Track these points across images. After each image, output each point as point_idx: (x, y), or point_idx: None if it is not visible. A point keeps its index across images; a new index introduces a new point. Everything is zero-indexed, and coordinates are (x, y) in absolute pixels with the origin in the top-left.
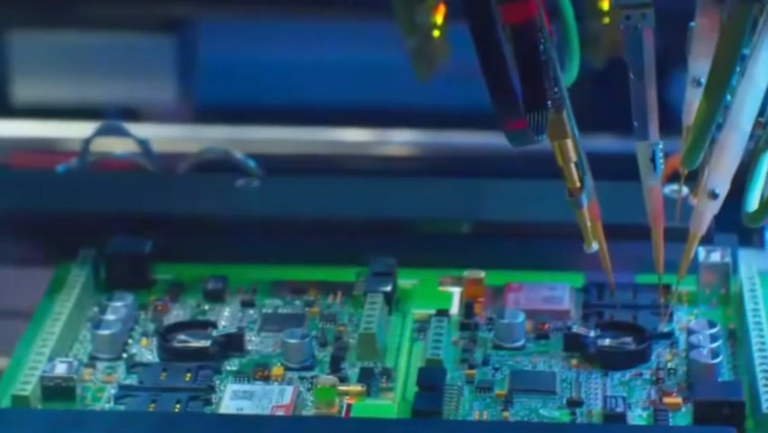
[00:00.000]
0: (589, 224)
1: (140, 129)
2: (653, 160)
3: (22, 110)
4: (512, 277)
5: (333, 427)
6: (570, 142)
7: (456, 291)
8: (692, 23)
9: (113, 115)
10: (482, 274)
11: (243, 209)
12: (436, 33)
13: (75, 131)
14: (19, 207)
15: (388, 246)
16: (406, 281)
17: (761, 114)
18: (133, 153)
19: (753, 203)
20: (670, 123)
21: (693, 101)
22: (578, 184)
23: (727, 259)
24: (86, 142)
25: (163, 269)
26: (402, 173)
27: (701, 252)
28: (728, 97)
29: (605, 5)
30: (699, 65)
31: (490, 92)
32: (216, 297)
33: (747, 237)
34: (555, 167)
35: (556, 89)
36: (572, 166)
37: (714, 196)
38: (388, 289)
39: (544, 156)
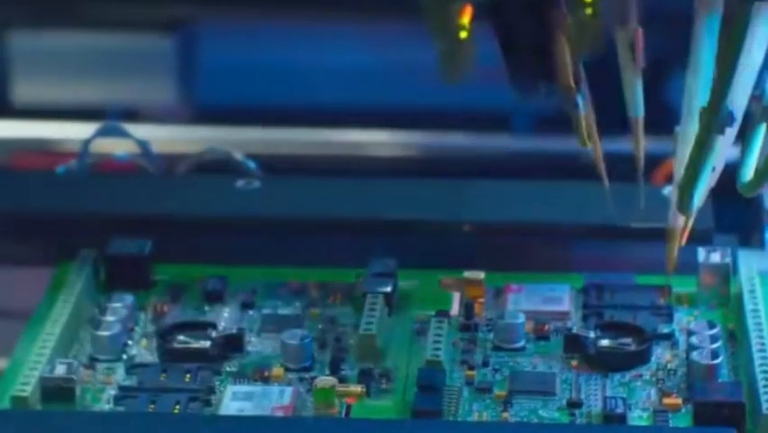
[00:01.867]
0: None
1: (140, 130)
2: (631, 47)
3: (23, 111)
4: (512, 278)
5: (333, 428)
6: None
7: (456, 292)
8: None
9: (113, 116)
10: (482, 275)
11: (243, 210)
12: (464, 34)
13: (75, 132)
14: (19, 207)
15: (388, 247)
16: (405, 282)
17: (756, 87)
18: (134, 154)
19: (748, 173)
20: (668, 123)
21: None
22: (572, 84)
23: (727, 260)
24: (87, 142)
25: (163, 270)
26: (402, 174)
27: (701, 252)
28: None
29: None
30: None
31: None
32: (216, 298)
33: (747, 238)
34: (556, 168)
35: None
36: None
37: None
38: (388, 290)
39: (544, 156)
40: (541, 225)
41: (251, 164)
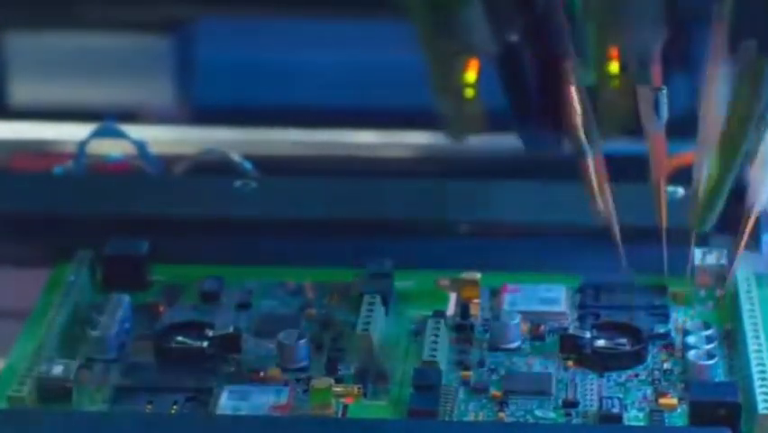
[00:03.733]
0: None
1: (137, 131)
2: (656, 106)
3: (20, 112)
4: (508, 278)
5: (330, 428)
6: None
7: (452, 293)
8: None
9: (110, 117)
10: (478, 276)
11: (240, 211)
12: (471, 92)
13: (72, 133)
14: (16, 208)
15: (385, 247)
16: (402, 283)
17: None
18: (130, 155)
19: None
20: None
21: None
22: (581, 134)
23: (723, 260)
24: (83, 143)
25: (160, 270)
26: (399, 175)
27: (697, 253)
28: None
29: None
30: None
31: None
32: (213, 298)
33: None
34: (552, 169)
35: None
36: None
37: None
38: (385, 290)
39: (543, 157)
40: (537, 225)
41: (248, 165)
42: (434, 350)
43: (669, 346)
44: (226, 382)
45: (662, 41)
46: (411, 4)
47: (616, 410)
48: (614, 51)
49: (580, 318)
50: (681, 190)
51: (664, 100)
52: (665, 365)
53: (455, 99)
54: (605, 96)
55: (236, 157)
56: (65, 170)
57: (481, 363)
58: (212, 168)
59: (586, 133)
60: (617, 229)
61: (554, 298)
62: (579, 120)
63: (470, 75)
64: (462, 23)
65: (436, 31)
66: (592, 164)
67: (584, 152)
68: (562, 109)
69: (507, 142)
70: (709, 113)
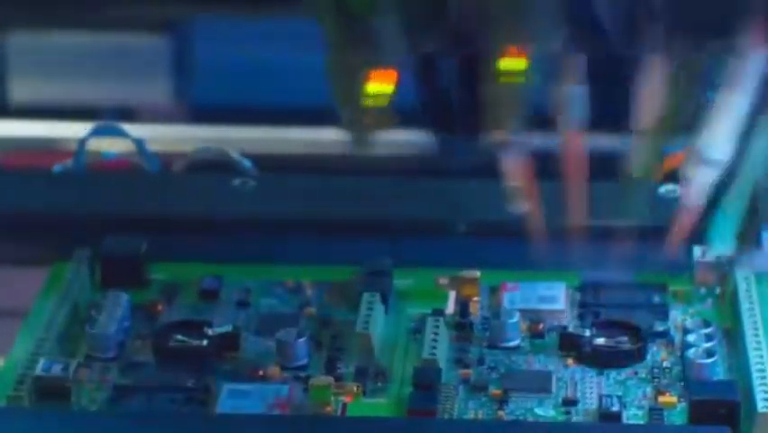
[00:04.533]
0: (517, 184)
1: (135, 129)
2: (571, 104)
3: (18, 110)
4: (507, 276)
5: (329, 426)
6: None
7: (452, 291)
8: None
9: (109, 115)
10: (478, 274)
11: (239, 209)
12: (382, 102)
13: (71, 131)
14: (14, 206)
15: (384, 246)
16: (401, 281)
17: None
18: (129, 153)
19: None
20: None
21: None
22: (507, 139)
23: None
24: (82, 142)
25: (158, 268)
26: (398, 173)
27: (697, 250)
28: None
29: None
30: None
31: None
32: (212, 296)
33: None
34: (552, 167)
35: None
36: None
37: (713, 163)
38: (384, 288)
39: (542, 157)
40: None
41: (247, 163)
42: (434, 348)
43: (668, 344)
44: (225, 380)
45: (560, 39)
46: (322, 12)
47: (615, 409)
48: (509, 48)
49: (580, 316)
50: (679, 189)
51: (579, 98)
52: (665, 363)
53: (360, 109)
54: (494, 92)
55: (235, 155)
56: (64, 169)
57: (481, 362)
58: (210, 166)
59: (507, 132)
60: (540, 226)
61: (554, 296)
62: (500, 119)
63: (386, 86)
64: (375, 32)
65: (347, 40)
66: (513, 162)
67: (505, 151)
68: (482, 111)
69: None
70: (646, 105)
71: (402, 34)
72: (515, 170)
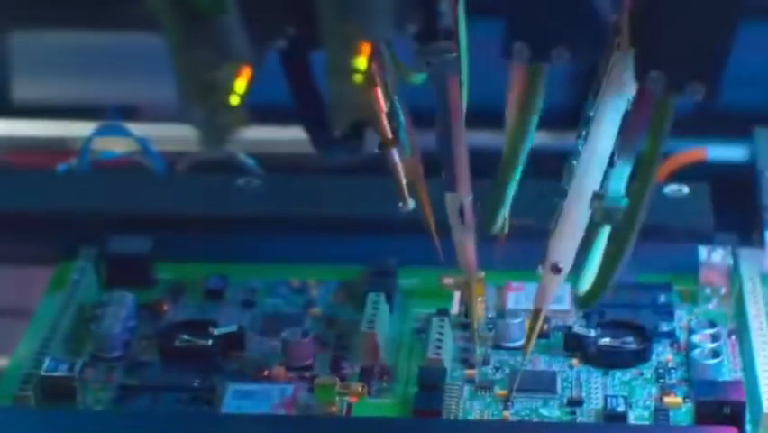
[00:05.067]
0: (404, 180)
1: (140, 128)
2: (461, 213)
3: (23, 109)
4: (512, 276)
5: (334, 426)
6: (379, 91)
7: (457, 291)
8: None
9: (113, 115)
10: (482, 274)
11: (244, 209)
12: (235, 100)
13: (75, 130)
14: (20, 206)
15: (389, 246)
16: (406, 281)
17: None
18: (134, 152)
19: (585, 283)
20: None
21: None
22: (389, 136)
23: (728, 259)
24: (87, 141)
25: (164, 268)
26: None
27: (702, 251)
28: (573, 163)
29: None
30: None
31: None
32: (217, 296)
33: (748, 237)
34: (553, 167)
35: None
36: (383, 116)
37: (557, 270)
38: (389, 288)
39: (543, 156)
40: (540, 223)
41: (252, 162)
42: (439, 348)
43: (674, 345)
44: (231, 380)
45: (391, 35)
46: (163, 15)
47: (620, 409)
48: (356, 46)
49: (585, 316)
50: (685, 189)
51: (470, 208)
52: (670, 364)
53: (211, 107)
54: (337, 89)
55: (240, 155)
56: (69, 168)
57: (486, 362)
58: (215, 165)
59: (390, 129)
60: (431, 222)
61: (559, 296)
62: (382, 117)
63: (240, 83)
64: (220, 31)
65: (191, 39)
66: (398, 159)
67: (389, 148)
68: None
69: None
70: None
71: (248, 31)
72: (401, 166)
